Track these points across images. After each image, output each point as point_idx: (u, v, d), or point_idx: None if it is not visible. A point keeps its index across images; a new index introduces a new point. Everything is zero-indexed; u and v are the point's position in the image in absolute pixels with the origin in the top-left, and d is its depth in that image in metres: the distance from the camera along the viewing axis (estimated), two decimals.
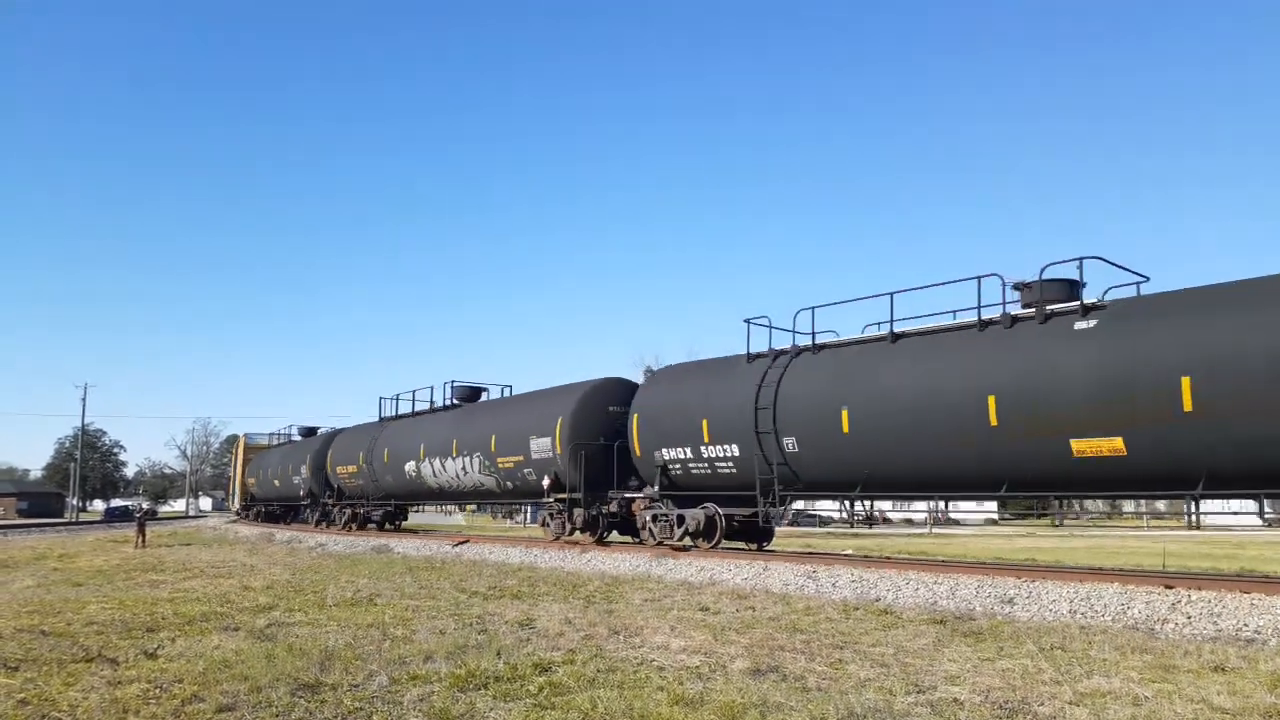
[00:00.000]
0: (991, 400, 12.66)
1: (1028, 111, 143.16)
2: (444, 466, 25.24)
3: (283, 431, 45.26)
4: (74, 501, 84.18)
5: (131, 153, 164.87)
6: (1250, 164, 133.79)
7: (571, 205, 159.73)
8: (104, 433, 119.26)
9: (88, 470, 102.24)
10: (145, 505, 43.99)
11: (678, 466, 17.75)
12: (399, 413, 30.63)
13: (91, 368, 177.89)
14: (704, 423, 16.97)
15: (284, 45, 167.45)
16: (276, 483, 40.41)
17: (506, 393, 26.72)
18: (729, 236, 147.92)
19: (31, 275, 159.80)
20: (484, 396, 27.41)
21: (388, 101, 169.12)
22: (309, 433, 41.30)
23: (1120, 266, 12.88)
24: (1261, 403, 10.46)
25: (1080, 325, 12.28)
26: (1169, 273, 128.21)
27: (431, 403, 28.52)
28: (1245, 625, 9.43)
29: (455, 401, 27.35)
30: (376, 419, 32.11)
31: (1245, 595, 10.27)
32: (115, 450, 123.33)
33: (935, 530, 45.67)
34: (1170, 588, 11.01)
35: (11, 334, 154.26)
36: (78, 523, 62.04)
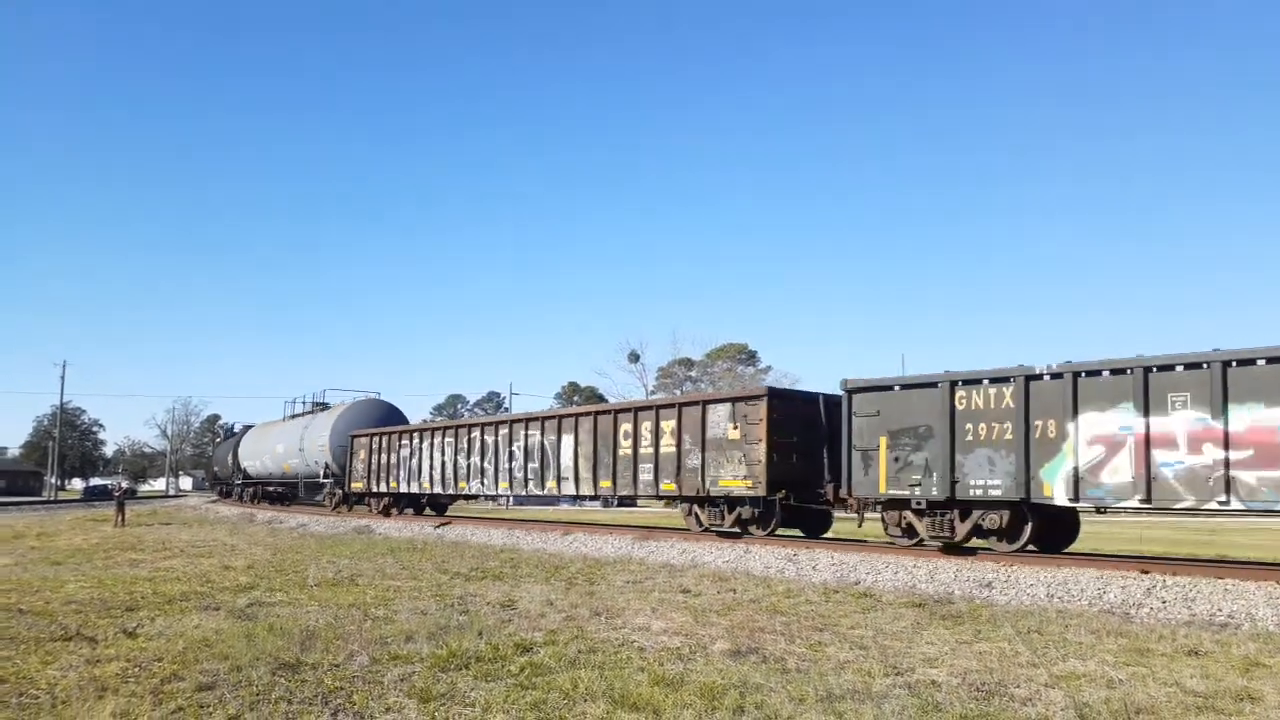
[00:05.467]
0: None
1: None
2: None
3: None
4: (52, 480, 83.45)
5: (110, 133, 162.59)
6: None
7: (549, 199, 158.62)
8: (83, 411, 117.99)
9: (66, 449, 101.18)
10: (124, 484, 43.16)
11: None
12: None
13: (71, 345, 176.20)
14: None
15: (245, 35, 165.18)
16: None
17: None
18: (727, 233, 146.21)
19: (9, 252, 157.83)
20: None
21: (362, 93, 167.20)
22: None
23: None
24: None
25: None
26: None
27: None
28: (1219, 610, 9.57)
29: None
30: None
31: (1219, 580, 10.43)
32: (94, 429, 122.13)
33: None
34: (1146, 573, 11.17)
35: None
36: (56, 501, 61.68)
